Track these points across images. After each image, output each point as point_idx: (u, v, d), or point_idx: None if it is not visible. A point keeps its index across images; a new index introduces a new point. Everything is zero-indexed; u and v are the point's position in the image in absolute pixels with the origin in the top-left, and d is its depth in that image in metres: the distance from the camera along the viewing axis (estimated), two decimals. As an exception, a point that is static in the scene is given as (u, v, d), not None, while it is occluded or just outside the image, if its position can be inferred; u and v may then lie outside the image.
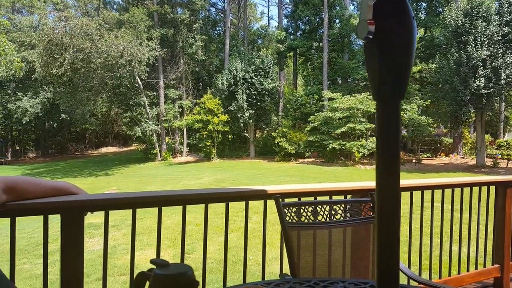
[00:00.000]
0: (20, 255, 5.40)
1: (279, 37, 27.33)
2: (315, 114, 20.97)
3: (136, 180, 15.21)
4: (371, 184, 2.15)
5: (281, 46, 26.68)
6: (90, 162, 25.73)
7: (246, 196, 1.95)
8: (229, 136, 23.86)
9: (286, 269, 2.03)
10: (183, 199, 1.77)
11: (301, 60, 28.30)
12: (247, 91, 22.19)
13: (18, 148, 33.79)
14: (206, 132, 22.27)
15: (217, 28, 32.22)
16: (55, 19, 23.36)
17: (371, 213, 1.72)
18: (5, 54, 21.28)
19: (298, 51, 26.61)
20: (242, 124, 23.11)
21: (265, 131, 26.34)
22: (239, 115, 22.26)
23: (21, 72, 25.20)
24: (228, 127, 22.71)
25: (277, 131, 22.63)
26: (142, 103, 23.61)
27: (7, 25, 26.75)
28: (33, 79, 25.07)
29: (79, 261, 1.48)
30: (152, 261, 0.59)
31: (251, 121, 22.95)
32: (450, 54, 17.58)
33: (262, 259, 2.02)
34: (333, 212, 1.65)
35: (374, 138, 20.40)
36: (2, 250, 5.60)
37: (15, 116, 28.57)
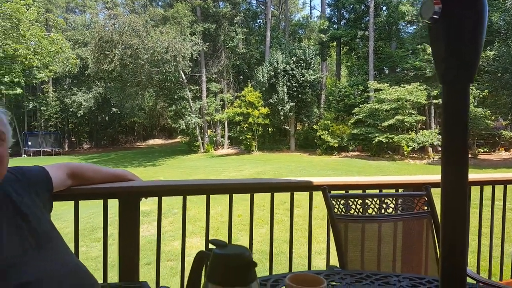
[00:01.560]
0: (71, 241, 5.77)
1: (321, 27, 26.71)
2: (360, 106, 20.26)
3: (180, 171, 15.73)
4: (426, 178, 2.05)
5: (323, 36, 26.06)
6: (138, 153, 26.97)
7: (292, 187, 1.95)
8: (269, 129, 23.85)
9: (332, 262, 2.00)
10: (230, 188, 1.81)
11: (345, 50, 27.50)
12: (288, 83, 21.98)
13: (74, 139, 36.28)
14: (246, 125, 22.44)
15: (258, 21, 32.14)
16: (105, 17, 24.58)
17: (426, 208, 1.65)
18: (62, 52, 22.86)
19: (341, 41, 25.87)
20: (282, 117, 22.99)
21: (306, 124, 26.01)
22: (279, 108, 22.15)
23: (76, 68, 27.01)
24: (268, 120, 22.71)
25: (318, 124, 22.22)
26: (186, 97, 24.26)
27: (63, 24, 28.65)
28: (86, 74, 26.61)
29: (135, 244, 1.57)
30: (211, 241, 0.61)
31: (291, 113, 22.76)
32: (511, 40, 16.40)
33: (308, 251, 2.01)
34: (384, 206, 1.60)
35: (425, 131, 19.42)
36: (62, 233, 6.03)
37: (70, 109, 30.62)
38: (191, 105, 24.28)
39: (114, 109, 31.46)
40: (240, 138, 23.34)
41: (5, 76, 21.13)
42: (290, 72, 21.90)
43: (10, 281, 0.95)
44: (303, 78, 21.94)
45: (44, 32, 22.15)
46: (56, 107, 31.82)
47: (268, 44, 25.99)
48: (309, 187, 1.89)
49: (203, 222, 6.37)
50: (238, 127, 23.51)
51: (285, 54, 22.68)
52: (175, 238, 5.83)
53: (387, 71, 25.35)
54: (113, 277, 1.79)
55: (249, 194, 1.86)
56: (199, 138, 24.68)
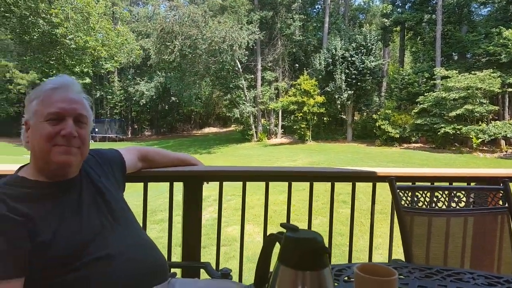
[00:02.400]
0: (138, 220, 6.19)
1: (384, 11, 25.31)
2: (425, 94, 18.97)
3: (235, 159, 16.06)
4: (501, 171, 1.89)
5: (386, 20, 24.68)
6: (195, 141, 28.01)
7: (353, 177, 1.89)
8: (325, 118, 23.34)
9: (395, 256, 1.93)
10: (289, 176, 1.80)
11: (409, 35, 25.84)
12: (346, 71, 21.19)
13: (136, 126, 38.65)
14: (301, 114, 22.16)
15: (316, 6, 31.30)
16: (166, 9, 25.55)
17: (502, 203, 1.52)
18: (127, 43, 24.31)
19: (406, 25, 24.33)
20: (339, 106, 22.33)
21: (365, 113, 25.03)
22: (336, 96, 21.51)
23: (139, 59, 28.55)
24: (324, 108, 22.20)
25: (378, 113, 21.25)
26: (241, 86, 24.55)
27: (127, 17, 30.36)
28: (148, 65, 28.02)
29: (197, 226, 1.64)
30: (282, 225, 0.61)
31: (349, 102, 22.00)
32: None
33: (369, 244, 1.95)
34: (456, 199, 1.50)
35: (497, 122, 17.74)
36: (129, 215, 6.52)
37: (134, 98, 32.65)
38: (246, 94, 24.54)
39: (173, 98, 32.89)
40: (294, 127, 23.15)
41: (76, 67, 22.94)
42: (349, 59, 21.10)
43: (91, 254, 1.03)
44: (363, 65, 21.04)
45: (111, 24, 23.66)
46: (121, 96, 34.08)
47: (326, 31, 25.27)
48: (372, 178, 1.82)
49: (255, 210, 6.47)
50: (292, 116, 23.33)
51: (344, 40, 21.87)
52: (228, 224, 5.98)
53: (455, 57, 23.39)
54: (173, 257, 1.89)
55: (308, 184, 1.84)
56: (253, 127, 24.95)
